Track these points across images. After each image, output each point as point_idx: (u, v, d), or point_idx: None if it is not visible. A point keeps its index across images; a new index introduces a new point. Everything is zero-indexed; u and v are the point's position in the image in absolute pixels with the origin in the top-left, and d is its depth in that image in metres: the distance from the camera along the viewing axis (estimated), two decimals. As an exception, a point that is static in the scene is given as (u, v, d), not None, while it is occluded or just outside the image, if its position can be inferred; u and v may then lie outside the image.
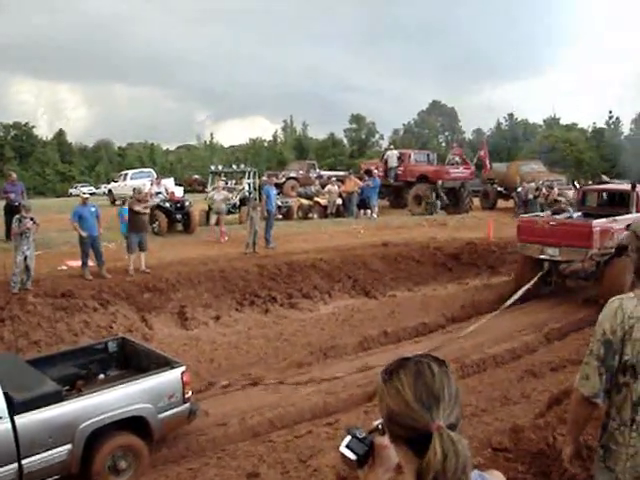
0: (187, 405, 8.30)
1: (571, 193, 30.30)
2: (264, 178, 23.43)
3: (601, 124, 74.64)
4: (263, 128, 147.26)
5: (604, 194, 17.29)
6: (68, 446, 7.12)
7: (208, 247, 18.20)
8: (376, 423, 1.75)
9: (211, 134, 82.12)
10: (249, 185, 24.87)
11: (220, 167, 27.91)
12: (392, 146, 46.05)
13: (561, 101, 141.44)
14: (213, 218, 20.22)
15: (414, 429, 1.53)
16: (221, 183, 21.82)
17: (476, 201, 31.50)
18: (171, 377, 8.18)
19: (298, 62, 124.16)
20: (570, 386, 5.27)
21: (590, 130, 74.26)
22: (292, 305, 15.08)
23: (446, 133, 77.73)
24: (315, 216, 25.52)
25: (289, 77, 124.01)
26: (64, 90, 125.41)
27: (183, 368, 8.34)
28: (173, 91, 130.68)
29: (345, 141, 73.99)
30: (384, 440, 1.69)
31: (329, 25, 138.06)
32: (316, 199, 26.27)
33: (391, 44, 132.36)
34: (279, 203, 23.25)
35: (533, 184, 28.74)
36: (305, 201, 26.46)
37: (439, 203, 27.81)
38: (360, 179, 27.42)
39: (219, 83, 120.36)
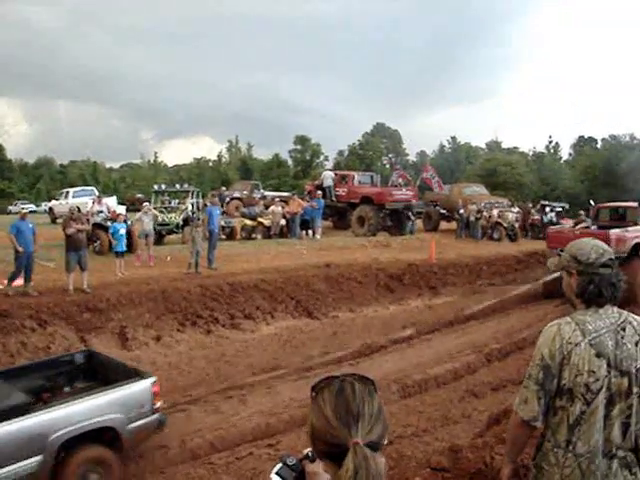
0: (156, 415, 8.27)
1: (511, 215, 30.99)
2: (215, 198, 23.29)
3: (541, 148, 76.58)
4: (209, 148, 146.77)
5: (615, 210, 20.76)
6: (38, 457, 7.03)
7: (148, 268, 18.03)
8: (306, 451, 1.77)
9: (155, 153, 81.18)
10: (192, 205, 24.74)
11: (163, 186, 27.65)
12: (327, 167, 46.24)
13: (503, 125, 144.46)
14: (141, 241, 19.58)
15: (334, 445, 1.58)
16: (147, 204, 21.40)
17: (419, 223, 31.82)
18: (141, 387, 8.15)
19: (244, 83, 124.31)
20: (510, 406, 5.36)
21: (531, 154, 76.00)
22: (234, 326, 15.03)
23: (390, 155, 78.47)
24: (258, 237, 25.42)
25: (235, 98, 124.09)
26: (2, 105, 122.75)
27: (153, 379, 8.33)
28: (118, 109, 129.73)
29: (290, 162, 74.12)
30: (314, 467, 1.72)
31: (276, 48, 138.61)
32: (260, 219, 26.19)
33: (337, 67, 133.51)
34: (222, 223, 23.14)
35: (475, 206, 29.23)
36: (248, 221, 26.37)
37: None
38: (304, 200, 27.51)
39: (165, 102, 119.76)
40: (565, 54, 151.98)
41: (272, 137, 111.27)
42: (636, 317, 2.98)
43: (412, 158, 78.49)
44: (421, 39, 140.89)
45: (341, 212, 30.32)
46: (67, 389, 9.06)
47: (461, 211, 29.19)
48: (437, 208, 32.72)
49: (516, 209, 34.40)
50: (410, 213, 29.46)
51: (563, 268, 3.14)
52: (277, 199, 28.55)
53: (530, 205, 37.83)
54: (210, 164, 78.85)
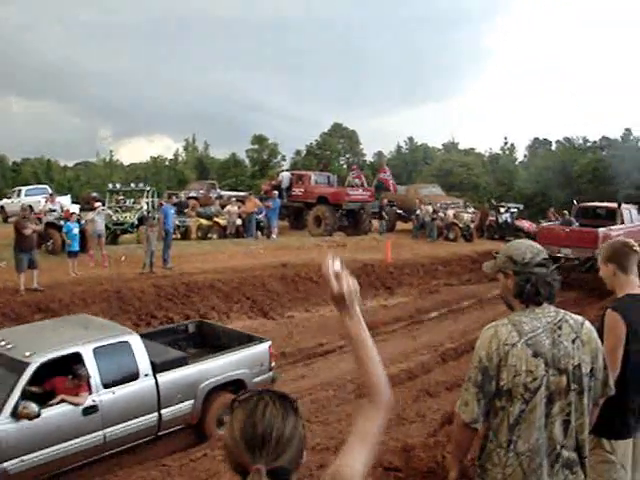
0: (271, 373, 10.41)
1: (466, 216, 31.27)
2: (172, 198, 23.12)
3: (497, 149, 77.38)
4: (166, 147, 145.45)
5: (597, 210, 24.09)
6: (191, 401, 9.17)
7: (102, 268, 17.82)
8: None
9: (110, 151, 79.96)
10: (147, 204, 24.50)
11: (118, 185, 27.34)
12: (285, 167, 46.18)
13: (460, 126, 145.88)
14: (93, 241, 19.18)
15: (239, 465, 1.58)
16: (99, 204, 21.11)
17: (375, 223, 31.94)
18: (262, 349, 10.27)
19: (203, 82, 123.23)
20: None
21: (487, 155, 76.73)
22: (189, 326, 14.93)
23: (347, 155, 78.51)
24: (214, 236, 25.27)
25: (194, 97, 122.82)
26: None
27: (269, 343, 10.49)
28: (75, 107, 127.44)
29: (247, 161, 73.76)
30: None
31: (235, 47, 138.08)
32: (215, 219, 26.05)
33: (295, 67, 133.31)
34: (177, 223, 22.97)
35: (430, 207, 29.44)
36: (204, 221, 26.21)
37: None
38: (260, 200, 27.44)
39: (124, 100, 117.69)
40: (521, 57, 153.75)
41: (230, 136, 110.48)
42: (573, 315, 3.06)
43: (369, 158, 78.58)
44: (380, 40, 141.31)
45: (297, 212, 30.32)
46: (192, 351, 10.85)
47: (417, 212, 29.37)
48: (394, 208, 32.87)
49: (472, 209, 34.75)
50: (384, 213, 29.96)
51: (499, 270, 3.19)
52: (233, 199, 28.43)
53: (487, 206, 38.27)
54: (167, 163, 78.06)
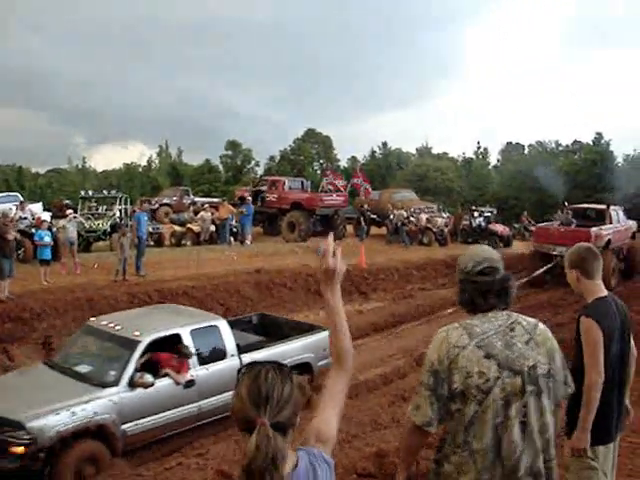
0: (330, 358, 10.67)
1: (440, 220, 31.40)
2: (145, 205, 22.97)
3: (470, 154, 77.91)
4: (140, 153, 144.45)
5: (587, 211, 25.39)
6: None
7: (74, 276, 17.67)
8: None
9: (83, 158, 79.44)
10: (120, 211, 24.35)
11: (90, 192, 27.11)
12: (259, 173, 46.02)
13: (433, 131, 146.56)
14: (65, 249, 19.01)
15: (246, 422, 1.89)
16: (71, 211, 20.93)
17: (350, 228, 31.95)
18: (323, 336, 10.73)
19: (176, 87, 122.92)
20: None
21: (460, 159, 77.21)
22: (163, 333, 14.82)
23: (321, 160, 78.57)
24: (188, 243, 25.17)
25: (168, 102, 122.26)
26: None
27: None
28: (47, 113, 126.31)
29: (221, 167, 73.62)
30: None
31: (208, 52, 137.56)
32: (189, 226, 25.95)
33: (269, 73, 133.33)
34: (150, 229, 22.84)
35: (403, 212, 29.55)
36: (178, 228, 26.10)
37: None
38: (234, 206, 27.38)
39: (96, 106, 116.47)
40: (494, 62, 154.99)
41: (203, 142, 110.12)
42: (526, 318, 3.08)
43: (343, 164, 78.72)
44: (352, 46, 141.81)
45: (271, 218, 30.25)
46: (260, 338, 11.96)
47: (391, 216, 29.44)
48: (368, 213, 32.91)
49: (445, 214, 34.88)
50: (362, 218, 29.83)
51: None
52: (206, 205, 28.33)
53: (461, 210, 38.50)
54: (140, 169, 77.69)
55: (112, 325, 9.71)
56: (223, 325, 10.42)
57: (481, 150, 78.58)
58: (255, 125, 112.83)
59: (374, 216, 32.29)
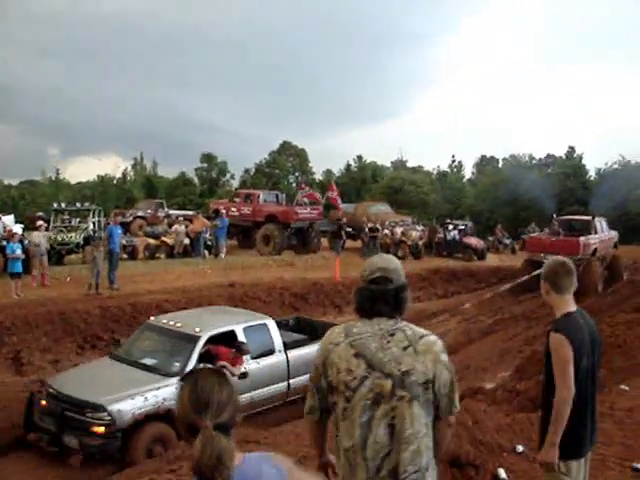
0: None
1: (415, 233, 31.55)
2: (117, 217, 22.83)
3: (445, 167, 78.42)
4: (115, 165, 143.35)
5: (574, 222, 27.30)
6: (300, 379, 10.89)
7: (46, 289, 17.50)
8: None
9: (57, 170, 78.69)
10: (94, 224, 24.17)
11: (63, 205, 26.89)
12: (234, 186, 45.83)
13: (408, 144, 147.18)
14: (36, 261, 18.56)
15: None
16: (42, 223, 20.72)
17: (324, 241, 31.97)
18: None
19: (152, 99, 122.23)
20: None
21: (435, 173, 77.66)
22: (136, 348, 14.67)
23: (297, 173, 78.60)
24: (162, 256, 25.03)
25: (143, 115, 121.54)
26: None
27: None
28: (20, 125, 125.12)
29: (196, 180, 73.38)
30: None
31: (184, 65, 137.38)
32: (163, 239, 25.80)
33: (246, 86, 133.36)
34: (124, 242, 22.70)
35: (377, 225, 29.72)
36: (152, 241, 25.93)
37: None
38: (209, 219, 27.30)
39: (72, 118, 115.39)
40: (469, 77, 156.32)
41: (179, 155, 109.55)
42: (413, 327, 3.12)
43: (319, 176, 78.85)
44: (329, 60, 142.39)
45: (246, 231, 30.20)
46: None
47: (366, 229, 29.53)
48: (343, 226, 32.96)
49: (420, 227, 35.05)
50: (342, 232, 30.13)
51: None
52: (180, 218, 28.20)
53: (436, 223, 38.66)
54: (115, 182, 77.14)
55: (173, 323, 10.90)
56: (271, 324, 11.60)
57: (456, 163, 79.14)
58: (231, 138, 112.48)
59: (349, 229, 32.37)
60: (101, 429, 8.78)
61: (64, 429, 8.99)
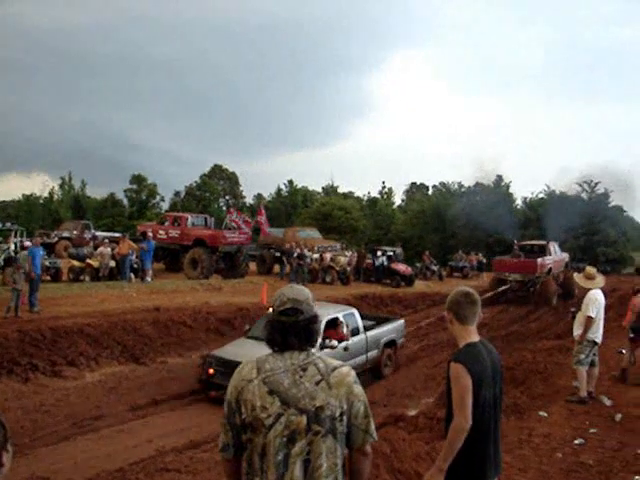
0: (403, 339, 18.03)
1: (343, 259, 31.71)
2: (37, 238, 22.27)
3: (375, 193, 79.27)
4: (43, 184, 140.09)
5: (531, 246, 33.13)
6: (376, 350, 16.06)
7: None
8: None
9: (-18, 188, 76.94)
10: (15, 245, 23.60)
11: (-17, 225, 26.24)
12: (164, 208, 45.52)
13: (340, 171, 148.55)
14: None
15: None
16: None
17: (253, 266, 31.85)
18: (401, 322, 17.98)
19: (82, 119, 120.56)
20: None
21: (365, 199, 78.41)
22: (55, 373, 14.20)
23: (227, 197, 78.51)
24: (87, 279, 24.55)
25: (73, 133, 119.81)
26: None
27: (403, 320, 18.53)
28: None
29: (125, 202, 72.57)
30: None
31: (112, 85, 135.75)
32: (88, 261, 25.30)
33: (179, 108, 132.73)
34: (47, 264, 22.20)
35: (305, 250, 29.78)
36: (76, 263, 25.41)
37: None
38: (136, 241, 26.94)
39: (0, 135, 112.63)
40: (400, 107, 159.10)
41: (108, 175, 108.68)
42: (325, 359, 3.16)
43: (249, 200, 78.96)
44: (263, 85, 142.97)
45: (174, 254, 29.88)
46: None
47: (295, 255, 29.55)
48: (272, 251, 32.94)
49: (349, 252, 35.24)
50: (284, 258, 30.58)
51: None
52: (106, 240, 27.74)
53: (364, 249, 38.94)
54: (41, 201, 75.54)
55: None
56: (356, 313, 16.01)
57: (386, 190, 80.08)
58: (162, 160, 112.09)
59: (277, 254, 32.37)
60: None
61: None
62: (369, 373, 15.82)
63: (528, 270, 29.77)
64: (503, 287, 29.99)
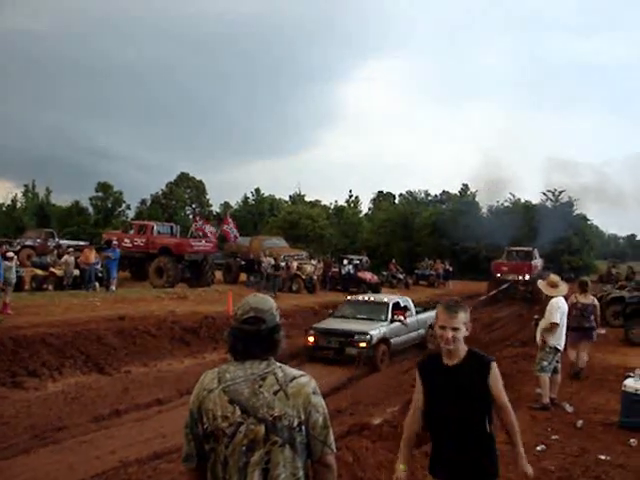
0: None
1: (310, 267, 31.72)
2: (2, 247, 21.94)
3: (342, 202, 79.44)
4: (7, 191, 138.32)
5: (520, 252, 38.43)
6: (422, 330, 20.44)
7: None
8: None
9: (-57, 195, 75.92)
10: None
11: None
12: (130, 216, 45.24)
13: (307, 179, 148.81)
14: None
15: None
16: None
17: (219, 274, 31.72)
18: (432, 314, 17.19)
19: (46, 125, 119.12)
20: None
21: (332, 207, 78.53)
22: (15, 384, 13.87)
23: (193, 205, 78.27)
24: (50, 287, 24.27)
25: (37, 140, 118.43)
26: None
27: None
28: None
29: (91, 209, 71.94)
30: None
31: (78, 90, 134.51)
32: (52, 269, 25.02)
33: (142, 115, 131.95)
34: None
35: (271, 259, 29.70)
36: (40, 271, 25.11)
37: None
38: (100, 249, 26.71)
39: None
40: (368, 115, 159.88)
41: (73, 183, 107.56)
42: (285, 369, 3.15)
43: (216, 209, 78.74)
44: (231, 93, 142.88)
45: (139, 263, 29.64)
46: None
47: (263, 264, 29.47)
48: (238, 260, 32.87)
49: (315, 261, 35.27)
50: (262, 267, 29.93)
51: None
52: (71, 248, 27.44)
53: (330, 257, 38.98)
54: (4, 209, 74.53)
55: (367, 298, 21.04)
56: (410, 300, 21.20)
57: (353, 198, 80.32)
58: (129, 167, 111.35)
59: (244, 262, 32.31)
60: (364, 344, 17.16)
61: (345, 346, 17.37)
62: (417, 348, 19.83)
63: (524, 271, 35.87)
64: (504, 285, 35.38)
